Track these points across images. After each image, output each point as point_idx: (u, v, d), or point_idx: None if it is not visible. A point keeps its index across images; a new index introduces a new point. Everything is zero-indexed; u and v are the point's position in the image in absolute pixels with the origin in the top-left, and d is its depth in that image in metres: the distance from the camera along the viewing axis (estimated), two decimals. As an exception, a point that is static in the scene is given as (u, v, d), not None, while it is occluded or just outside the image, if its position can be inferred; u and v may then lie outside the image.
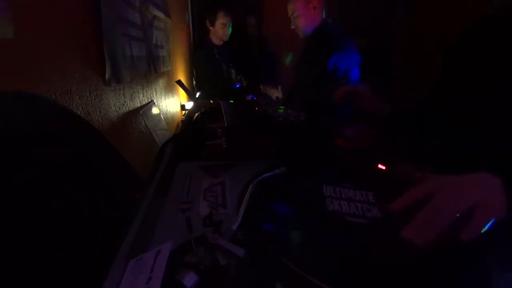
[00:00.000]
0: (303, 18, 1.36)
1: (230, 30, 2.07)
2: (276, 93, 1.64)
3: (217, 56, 2.15)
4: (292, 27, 1.42)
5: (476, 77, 0.56)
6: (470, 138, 0.55)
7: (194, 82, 2.50)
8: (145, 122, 1.10)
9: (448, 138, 0.62)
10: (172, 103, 1.81)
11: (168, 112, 1.66)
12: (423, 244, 0.32)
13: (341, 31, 1.38)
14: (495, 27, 0.54)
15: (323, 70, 1.31)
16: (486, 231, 0.32)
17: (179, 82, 1.66)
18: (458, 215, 0.33)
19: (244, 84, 2.27)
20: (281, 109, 0.91)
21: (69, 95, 0.60)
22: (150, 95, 1.26)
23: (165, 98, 1.59)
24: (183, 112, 2.07)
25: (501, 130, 0.51)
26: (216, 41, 2.13)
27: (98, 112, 0.73)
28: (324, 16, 1.38)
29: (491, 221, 0.32)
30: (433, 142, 0.65)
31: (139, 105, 1.09)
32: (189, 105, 1.93)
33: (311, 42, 1.41)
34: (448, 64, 0.66)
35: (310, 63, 1.41)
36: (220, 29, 2.04)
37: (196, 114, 1.21)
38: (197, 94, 2.20)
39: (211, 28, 2.07)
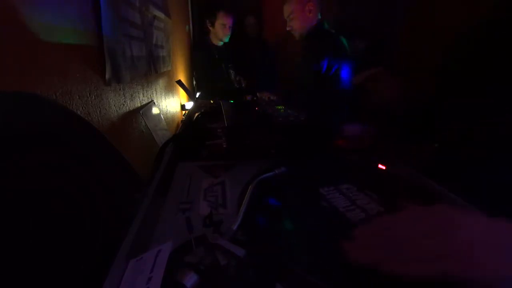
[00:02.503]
0: (299, 20, 1.38)
1: (230, 31, 2.07)
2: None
3: (216, 56, 2.15)
4: (288, 28, 1.44)
5: (477, 77, 0.56)
6: (469, 138, 0.55)
7: (194, 82, 2.50)
8: (145, 122, 1.10)
9: (447, 138, 0.62)
10: (172, 103, 1.81)
11: (168, 112, 1.66)
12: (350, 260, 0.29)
13: (336, 31, 1.40)
14: (495, 27, 0.54)
15: (318, 70, 1.32)
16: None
17: (179, 82, 1.66)
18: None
19: (243, 85, 2.27)
20: (281, 109, 0.91)
21: (69, 95, 0.60)
22: (150, 95, 1.26)
23: (165, 98, 1.59)
24: (183, 112, 2.07)
25: (501, 130, 0.51)
26: (215, 41, 2.13)
27: (98, 112, 0.73)
28: (319, 17, 1.39)
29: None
30: (432, 144, 0.65)
31: (139, 105, 1.09)
32: (189, 105, 1.93)
33: (307, 43, 1.43)
34: (448, 64, 0.66)
35: (306, 63, 1.42)
36: (220, 30, 2.03)
37: (196, 114, 1.21)
38: (197, 94, 2.19)
39: (211, 28, 2.07)
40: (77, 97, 0.63)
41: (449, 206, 0.31)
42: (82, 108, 0.65)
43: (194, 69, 2.44)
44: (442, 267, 0.25)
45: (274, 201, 0.50)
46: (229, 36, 2.09)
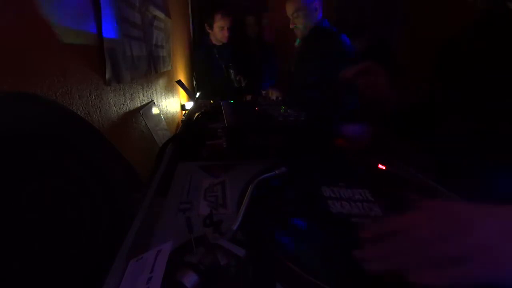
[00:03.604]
0: (304, 18, 1.37)
1: (228, 33, 2.07)
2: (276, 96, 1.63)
3: (217, 56, 2.15)
4: (291, 26, 1.43)
5: (476, 77, 0.56)
6: (468, 137, 0.55)
7: (194, 82, 2.50)
8: (145, 122, 1.10)
9: (446, 138, 0.62)
10: (172, 103, 1.81)
11: (168, 112, 1.66)
12: (369, 271, 0.29)
13: (337, 30, 1.40)
14: (495, 26, 0.54)
15: (320, 68, 1.32)
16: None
17: (179, 82, 1.66)
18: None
19: (243, 84, 2.27)
20: (281, 109, 0.91)
21: (69, 95, 0.60)
22: (150, 95, 1.26)
23: (165, 98, 1.59)
24: (183, 112, 2.07)
25: (498, 131, 0.51)
26: (215, 41, 2.13)
27: (98, 112, 0.73)
28: (321, 15, 1.40)
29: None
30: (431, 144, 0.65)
31: (139, 105, 1.09)
32: (189, 105, 1.93)
33: (309, 41, 1.42)
34: (447, 64, 0.66)
35: (308, 61, 1.42)
36: (218, 32, 2.03)
37: (196, 114, 1.21)
38: (197, 94, 2.20)
39: (209, 31, 2.08)
40: (77, 97, 0.63)
41: (444, 202, 0.30)
42: (82, 108, 0.65)
43: (194, 69, 2.44)
44: (466, 270, 0.24)
45: (274, 201, 0.50)
46: (227, 38, 2.09)
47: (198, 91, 2.30)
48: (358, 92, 0.70)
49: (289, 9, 1.39)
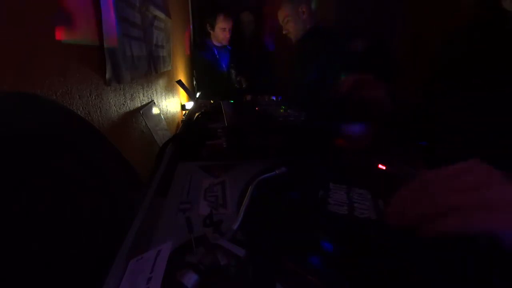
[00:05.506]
0: (293, 23, 1.40)
1: (230, 34, 2.08)
2: None
3: (218, 56, 2.16)
4: (284, 32, 1.46)
5: (473, 78, 0.56)
6: (465, 138, 0.55)
7: (194, 82, 2.50)
8: (145, 122, 1.10)
9: (443, 139, 0.62)
10: (173, 103, 1.81)
11: (168, 112, 1.66)
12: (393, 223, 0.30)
13: (332, 33, 1.41)
14: (494, 27, 0.54)
15: (317, 71, 1.32)
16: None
17: (179, 82, 1.66)
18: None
19: (244, 86, 2.27)
20: (281, 109, 0.91)
21: (69, 95, 0.60)
22: (150, 95, 1.26)
23: (165, 98, 1.59)
24: (183, 112, 2.07)
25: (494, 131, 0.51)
26: (216, 42, 2.14)
27: (98, 112, 0.73)
28: (314, 19, 1.41)
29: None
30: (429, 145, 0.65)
31: (139, 105, 1.09)
32: (189, 105, 1.93)
33: (304, 45, 1.44)
34: (446, 65, 0.66)
35: (304, 65, 1.43)
36: (220, 34, 2.05)
37: (196, 114, 1.22)
38: (197, 94, 2.20)
39: (211, 31, 2.08)
40: (77, 97, 0.63)
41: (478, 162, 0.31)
42: (83, 108, 0.65)
43: (194, 69, 2.44)
44: (487, 220, 0.25)
45: (274, 201, 0.50)
46: (228, 39, 2.10)
47: (198, 91, 2.30)
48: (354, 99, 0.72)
49: (280, 16, 1.43)
